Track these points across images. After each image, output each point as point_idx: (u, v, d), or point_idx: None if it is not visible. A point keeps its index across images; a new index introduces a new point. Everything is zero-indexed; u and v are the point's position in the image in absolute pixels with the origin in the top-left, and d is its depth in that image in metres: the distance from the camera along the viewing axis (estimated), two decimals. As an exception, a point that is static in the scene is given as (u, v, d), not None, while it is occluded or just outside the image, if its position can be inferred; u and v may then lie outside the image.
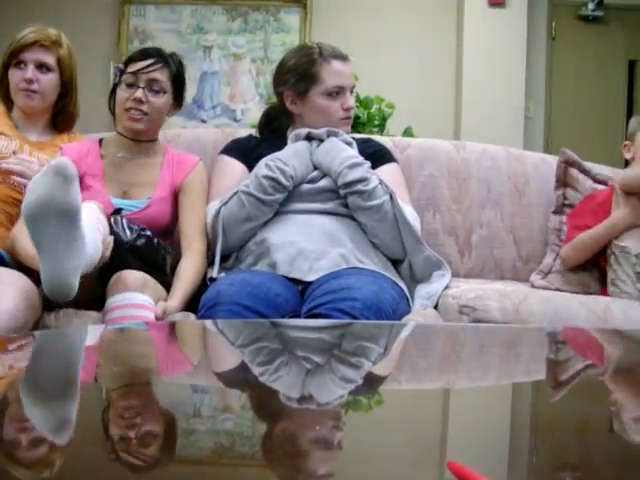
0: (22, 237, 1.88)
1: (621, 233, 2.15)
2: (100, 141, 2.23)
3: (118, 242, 1.90)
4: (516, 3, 5.03)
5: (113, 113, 2.19)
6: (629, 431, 0.85)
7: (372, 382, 1.09)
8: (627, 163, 2.51)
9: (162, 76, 2.13)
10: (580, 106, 5.34)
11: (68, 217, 1.61)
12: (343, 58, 2.25)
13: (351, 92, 2.24)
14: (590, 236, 2.21)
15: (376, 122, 3.23)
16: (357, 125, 3.17)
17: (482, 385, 1.11)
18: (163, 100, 2.14)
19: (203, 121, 5.17)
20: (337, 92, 2.21)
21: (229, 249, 2.12)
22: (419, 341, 1.46)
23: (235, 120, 5.15)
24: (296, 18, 5.25)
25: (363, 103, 3.26)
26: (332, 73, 2.21)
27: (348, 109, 2.23)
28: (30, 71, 2.19)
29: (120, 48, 5.19)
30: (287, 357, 1.22)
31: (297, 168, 2.12)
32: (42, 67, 2.21)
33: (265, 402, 0.95)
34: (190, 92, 4.10)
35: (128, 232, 1.94)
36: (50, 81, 2.22)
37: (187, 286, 1.98)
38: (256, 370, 1.12)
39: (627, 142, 2.40)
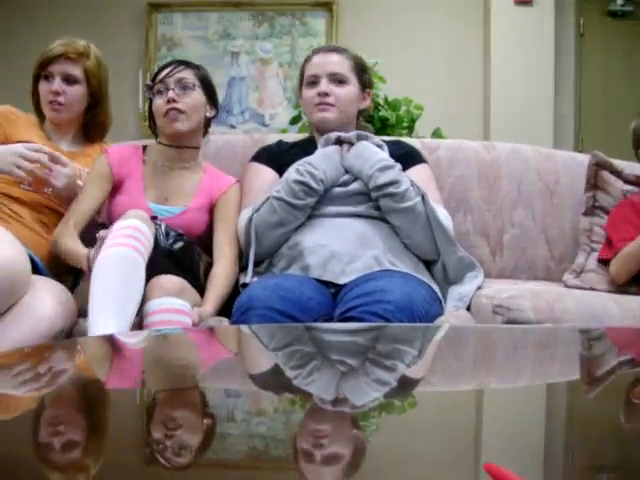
0: (66, 235, 2.02)
1: None
2: (143, 148, 2.27)
3: (156, 246, 1.94)
4: (542, 0, 4.99)
5: (154, 130, 2.24)
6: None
7: (406, 385, 1.09)
8: None
9: (188, 74, 2.19)
10: (610, 103, 5.28)
11: None
12: (327, 50, 2.30)
13: (340, 82, 2.23)
14: (637, 246, 2.16)
15: (405, 124, 3.23)
16: (386, 127, 3.17)
17: (516, 386, 1.11)
18: (195, 95, 2.18)
19: (232, 127, 5.19)
20: (313, 82, 2.25)
21: (263, 254, 2.14)
22: (452, 343, 1.46)
23: (264, 125, 5.17)
24: (322, 22, 5.26)
25: (391, 105, 3.25)
26: (310, 66, 2.28)
27: (320, 94, 2.22)
28: (56, 83, 2.22)
29: (148, 56, 5.23)
30: (321, 360, 1.22)
31: (327, 172, 2.13)
32: (69, 79, 2.24)
33: (300, 406, 0.96)
34: (219, 98, 4.12)
35: (166, 237, 1.99)
36: (77, 92, 2.25)
37: (220, 291, 2.02)
38: (291, 374, 1.13)
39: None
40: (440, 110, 4.31)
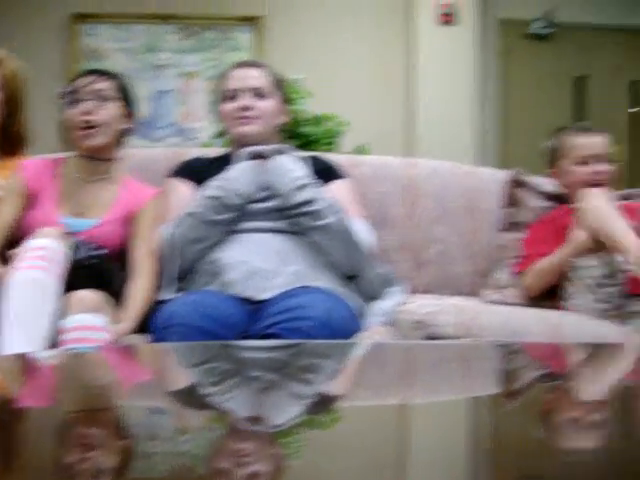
0: None
1: (582, 254, 2.15)
2: (59, 161, 2.21)
3: (74, 261, 1.89)
4: (466, 21, 5.10)
5: (66, 140, 2.18)
6: (582, 441, 0.87)
7: (327, 401, 1.09)
8: None
9: (106, 85, 2.14)
10: (532, 122, 5.42)
11: None
12: (247, 65, 2.31)
13: (262, 96, 2.23)
14: (552, 262, 2.21)
15: (328, 140, 3.24)
16: (309, 143, 3.17)
17: (437, 400, 1.11)
18: (111, 108, 2.13)
19: (156, 140, 5.13)
20: (233, 96, 2.23)
21: (181, 271, 2.10)
22: (373, 359, 1.46)
23: (189, 139, 5.12)
24: (249, 37, 5.25)
25: (316, 121, 3.26)
26: (229, 81, 2.27)
27: (242, 108, 2.21)
28: None
29: (71, 68, 5.13)
30: (242, 377, 1.21)
31: (245, 188, 2.11)
32: None
33: (219, 424, 0.95)
34: (143, 111, 4.06)
35: (83, 250, 1.94)
36: None
37: (139, 309, 1.98)
38: (211, 391, 1.12)
39: (553, 170, 2.40)
40: (364, 127, 4.34)
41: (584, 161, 2.30)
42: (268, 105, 2.23)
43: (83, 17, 5.21)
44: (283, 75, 2.35)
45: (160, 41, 5.27)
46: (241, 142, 2.22)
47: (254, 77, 2.24)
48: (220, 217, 2.08)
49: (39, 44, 4.99)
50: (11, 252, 1.86)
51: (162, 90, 5.24)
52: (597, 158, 2.30)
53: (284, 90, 2.31)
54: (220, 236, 2.10)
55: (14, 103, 2.25)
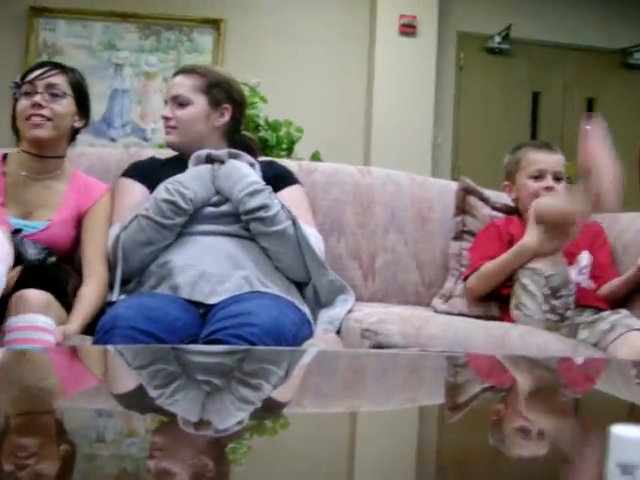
0: None
1: (527, 261, 2.17)
2: (3, 157, 2.14)
3: (22, 261, 1.85)
4: (426, 33, 5.16)
5: (16, 133, 2.12)
6: (524, 452, 0.88)
7: (272, 407, 1.09)
8: None
9: (60, 80, 2.09)
10: (486, 135, 5.50)
11: None
12: (177, 73, 2.31)
13: (181, 104, 2.22)
14: (497, 265, 2.22)
15: (284, 145, 3.24)
16: (265, 148, 3.17)
17: (383, 409, 1.12)
18: (64, 104, 2.08)
19: (112, 139, 5.08)
20: (166, 105, 2.27)
21: (130, 273, 2.08)
22: (319, 366, 1.46)
23: (145, 139, 5.08)
24: (209, 39, 5.24)
25: (272, 126, 3.26)
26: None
27: (164, 118, 2.26)
28: None
29: (27, 61, 5.06)
30: (185, 381, 1.20)
31: (197, 191, 2.10)
32: None
33: (164, 427, 0.94)
34: (100, 110, 4.02)
35: (32, 252, 1.90)
36: None
37: (87, 311, 1.95)
38: (154, 394, 1.11)
39: (507, 182, 2.43)
40: (321, 133, 4.37)
41: (539, 175, 2.34)
42: (186, 113, 2.22)
43: (41, 11, 5.15)
44: (226, 75, 2.33)
45: (119, 39, 5.23)
46: (173, 150, 2.27)
47: (176, 85, 2.25)
48: (171, 221, 2.06)
49: (-5, 37, 4.92)
50: None
51: (120, 89, 5.19)
52: (553, 174, 2.33)
53: (222, 90, 2.26)
54: (171, 239, 2.09)
55: None
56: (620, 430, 0.61)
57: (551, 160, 2.35)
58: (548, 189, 2.31)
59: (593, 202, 2.07)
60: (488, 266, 2.24)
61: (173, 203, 2.06)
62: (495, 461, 0.84)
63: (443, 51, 5.36)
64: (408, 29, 5.12)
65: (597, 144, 2.07)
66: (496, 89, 5.65)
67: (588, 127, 2.10)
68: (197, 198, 2.10)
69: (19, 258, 1.85)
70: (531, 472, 0.80)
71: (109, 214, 2.15)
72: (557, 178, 2.34)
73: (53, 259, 1.94)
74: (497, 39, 5.66)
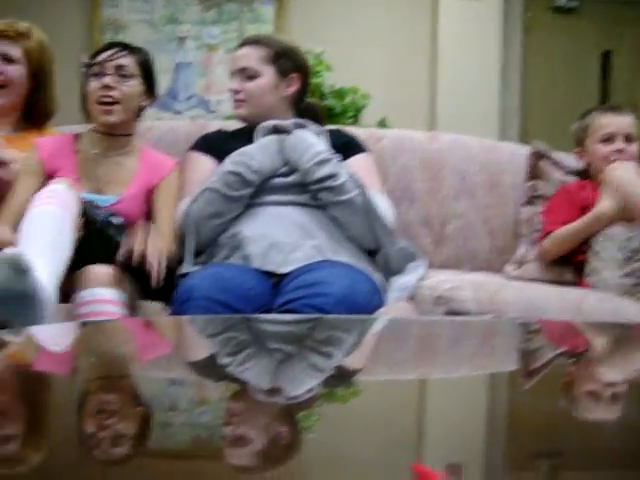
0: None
1: (603, 227, 2.14)
2: (75, 136, 2.20)
3: (90, 222, 1.91)
4: (490, -6, 5.04)
5: (87, 112, 2.17)
6: (599, 417, 0.87)
7: (344, 375, 1.09)
8: None
9: (129, 61, 2.13)
10: (555, 97, 5.36)
11: (29, 303, 1.65)
12: (242, 44, 2.29)
13: (250, 77, 2.21)
14: (572, 230, 2.20)
15: (350, 113, 3.22)
16: (331, 116, 3.15)
17: (456, 377, 1.11)
18: (133, 84, 2.12)
19: (177, 112, 5.12)
20: (232, 77, 2.25)
21: (200, 245, 2.10)
22: (392, 334, 1.46)
23: (210, 111, 5.10)
24: (271, 9, 5.21)
25: (337, 94, 3.24)
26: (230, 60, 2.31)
27: (232, 91, 2.23)
28: None
29: (93, 39, 5.12)
30: (260, 350, 1.22)
31: (263, 163, 2.10)
32: (7, 58, 2.18)
33: (237, 395, 0.96)
34: (164, 83, 4.06)
35: (100, 214, 1.98)
36: (16, 72, 2.19)
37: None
38: (228, 362, 1.13)
39: (577, 149, 2.40)
40: (386, 100, 4.32)
41: (609, 139, 2.30)
42: (255, 85, 2.20)
43: (104, -12, 5.20)
44: (291, 43, 2.32)
45: (181, 13, 5.25)
46: (243, 122, 2.26)
47: (242, 57, 2.23)
48: (238, 193, 2.07)
49: (59, 16, 4.98)
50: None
51: (183, 62, 5.22)
52: (623, 137, 2.30)
53: (290, 59, 2.25)
54: (239, 210, 2.10)
55: (41, 77, 2.24)
56: None
57: (620, 122, 2.32)
58: (619, 152, 2.28)
59: None
60: (562, 231, 2.22)
61: (239, 175, 2.07)
62: (571, 428, 0.83)
63: (508, 12, 5.23)
64: (472, -9, 5.02)
65: None
66: (565, 49, 5.49)
67: None
68: (263, 169, 2.10)
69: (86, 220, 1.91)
70: (608, 438, 0.79)
71: (177, 188, 2.18)
72: (628, 140, 2.30)
73: (119, 227, 1.99)
74: (565, -3, 5.50)
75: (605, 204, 2.14)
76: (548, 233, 2.26)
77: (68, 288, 1.83)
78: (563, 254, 2.25)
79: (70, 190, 1.89)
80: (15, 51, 2.19)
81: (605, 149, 2.30)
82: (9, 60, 2.18)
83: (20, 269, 1.63)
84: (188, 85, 5.20)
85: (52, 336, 1.34)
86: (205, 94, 5.17)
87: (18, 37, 2.19)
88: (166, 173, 2.18)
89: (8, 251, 1.66)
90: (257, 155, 2.10)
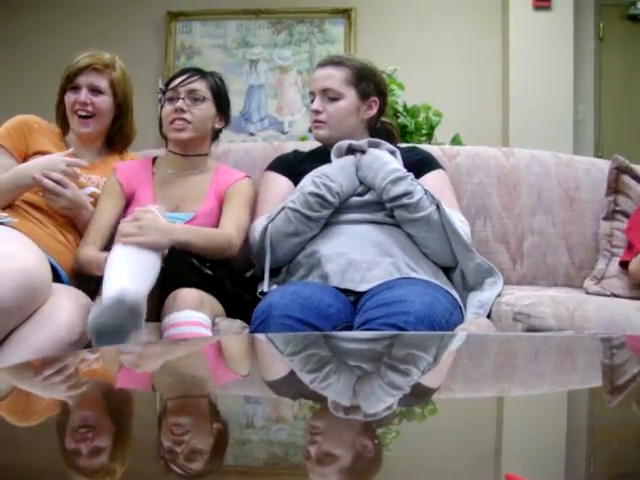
0: (85, 249, 2.09)
1: None
2: (153, 159, 2.30)
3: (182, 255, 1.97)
4: (562, 4, 4.96)
5: (164, 136, 2.26)
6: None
7: (424, 392, 1.09)
8: None
9: (200, 85, 2.21)
10: (630, 108, 5.25)
11: (133, 335, 1.74)
12: (323, 64, 2.28)
13: (332, 99, 2.22)
14: None
15: (424, 131, 3.22)
16: (405, 134, 3.16)
17: (537, 393, 1.10)
18: (204, 107, 2.20)
19: (251, 134, 5.21)
20: (312, 99, 2.26)
21: (278, 263, 2.14)
22: (472, 351, 1.46)
23: (283, 132, 5.18)
24: (341, 29, 5.27)
25: (410, 112, 3.25)
26: (311, 80, 2.32)
27: (313, 111, 2.24)
28: (83, 94, 2.24)
29: (167, 64, 5.27)
30: (341, 368, 1.23)
31: (343, 184, 2.12)
32: (95, 90, 2.27)
33: (317, 412, 0.97)
34: (237, 106, 4.13)
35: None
36: (103, 103, 2.27)
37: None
38: (308, 380, 1.15)
39: None
40: (459, 116, 4.31)
41: None
42: (337, 107, 2.22)
43: (178, 15, 5.35)
44: (371, 65, 2.31)
45: (252, 36, 5.34)
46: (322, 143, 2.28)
47: (326, 78, 2.23)
48: (318, 214, 2.10)
49: (135, 43, 5.14)
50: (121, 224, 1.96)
51: (255, 84, 5.31)
52: None
53: (371, 82, 2.26)
54: (317, 230, 2.12)
55: (124, 105, 2.33)
56: None
57: None
58: None
59: None
60: None
61: (321, 197, 2.09)
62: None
63: (581, 22, 5.15)
64: (543, 2, 4.95)
65: None
66: (639, 58, 5.38)
67: None
68: (343, 191, 2.12)
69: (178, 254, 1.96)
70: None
71: (247, 200, 2.22)
72: None
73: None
74: (639, 5, 5.38)
75: None
76: (636, 253, 2.19)
77: (154, 308, 1.89)
78: None
79: (157, 209, 1.97)
80: (102, 82, 2.27)
81: None
82: (97, 91, 2.26)
83: (138, 313, 1.72)
84: (261, 107, 5.28)
85: (139, 355, 1.39)
86: (278, 115, 5.25)
87: (105, 68, 2.27)
88: (234, 180, 2.24)
89: (129, 295, 1.72)
90: (337, 176, 2.12)
